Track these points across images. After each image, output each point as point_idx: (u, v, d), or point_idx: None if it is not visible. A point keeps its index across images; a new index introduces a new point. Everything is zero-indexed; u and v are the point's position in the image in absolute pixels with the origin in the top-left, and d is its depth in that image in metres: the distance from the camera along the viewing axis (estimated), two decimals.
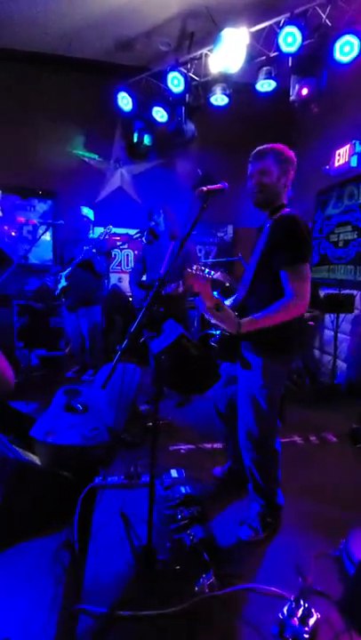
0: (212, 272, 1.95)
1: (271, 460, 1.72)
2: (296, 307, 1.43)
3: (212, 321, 1.41)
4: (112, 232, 3.49)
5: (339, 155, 4.02)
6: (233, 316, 1.39)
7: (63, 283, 3.60)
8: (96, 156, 5.05)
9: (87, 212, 3.65)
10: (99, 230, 4.87)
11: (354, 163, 3.77)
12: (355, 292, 3.68)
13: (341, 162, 3.98)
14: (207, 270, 1.42)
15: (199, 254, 5.25)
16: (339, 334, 3.69)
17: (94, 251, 3.48)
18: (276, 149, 1.58)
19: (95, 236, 3.70)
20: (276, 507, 1.78)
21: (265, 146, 1.60)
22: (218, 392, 1.95)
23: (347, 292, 3.68)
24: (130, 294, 4.44)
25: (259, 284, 1.54)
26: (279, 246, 1.45)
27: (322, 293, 3.65)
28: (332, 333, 3.70)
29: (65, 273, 3.59)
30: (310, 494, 2.04)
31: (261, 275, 1.51)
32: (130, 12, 3.83)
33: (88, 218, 3.65)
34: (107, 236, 3.47)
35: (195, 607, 1.31)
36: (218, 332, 1.78)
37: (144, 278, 3.23)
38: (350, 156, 3.81)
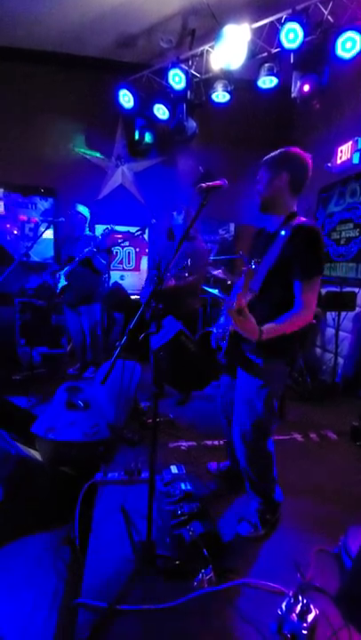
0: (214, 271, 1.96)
1: (265, 461, 1.71)
2: (305, 318, 1.47)
3: (233, 326, 1.38)
4: (113, 229, 3.52)
5: (341, 151, 4.00)
6: (255, 324, 1.37)
7: (63, 282, 3.61)
8: (97, 154, 5.05)
9: (82, 209, 3.65)
10: (99, 228, 4.89)
11: (356, 160, 3.75)
12: (356, 289, 3.67)
13: (344, 159, 3.96)
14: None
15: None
16: (340, 332, 3.68)
17: (94, 249, 3.49)
18: (269, 157, 1.59)
19: (92, 233, 3.69)
20: (275, 503, 1.78)
21: (265, 158, 1.61)
22: (221, 399, 1.95)
23: (348, 289, 3.67)
24: (131, 292, 4.45)
25: (271, 290, 1.51)
26: (299, 257, 1.46)
27: (323, 291, 3.64)
28: (334, 331, 3.69)
29: (64, 272, 3.60)
30: (310, 492, 2.04)
31: (275, 281, 1.49)
32: (131, 9, 3.82)
33: (83, 215, 3.64)
34: (107, 232, 3.50)
35: (193, 602, 1.32)
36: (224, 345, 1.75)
37: None
38: (352, 152, 3.80)
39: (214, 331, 1.80)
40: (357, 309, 3.67)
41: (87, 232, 3.71)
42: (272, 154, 1.60)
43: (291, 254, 1.46)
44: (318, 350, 4.23)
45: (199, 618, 1.29)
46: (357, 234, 3.78)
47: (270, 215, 1.64)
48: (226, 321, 1.67)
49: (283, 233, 1.50)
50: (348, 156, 3.86)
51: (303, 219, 1.56)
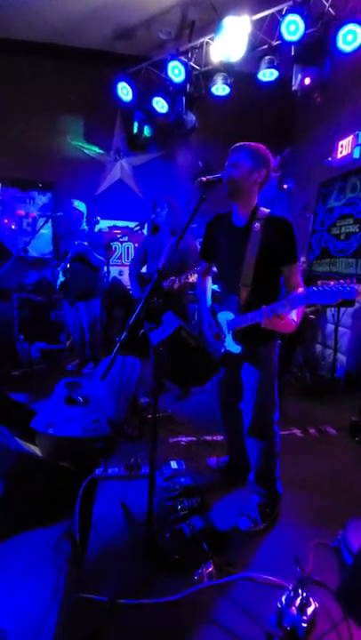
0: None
1: (276, 442, 1.78)
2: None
3: (271, 327, 1.50)
4: (98, 220, 3.61)
5: (341, 146, 3.98)
6: (291, 318, 1.49)
7: (61, 278, 3.60)
8: (95, 148, 5.00)
9: (78, 204, 3.62)
10: (98, 224, 4.85)
11: (357, 154, 3.73)
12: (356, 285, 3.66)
13: (344, 153, 3.94)
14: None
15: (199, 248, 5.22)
16: (339, 328, 3.68)
17: (86, 243, 3.46)
18: (250, 145, 1.60)
19: (88, 227, 3.66)
20: (277, 494, 1.82)
21: (242, 143, 1.62)
22: (220, 386, 1.98)
23: None
24: (130, 287, 4.43)
25: (262, 281, 1.62)
26: (285, 245, 1.58)
27: None
28: (333, 327, 3.69)
29: (61, 267, 3.59)
30: (309, 486, 2.05)
31: (263, 271, 1.60)
32: (130, 0, 3.77)
33: (80, 211, 3.62)
34: (95, 226, 3.57)
35: (194, 596, 1.33)
36: (223, 350, 1.80)
37: (144, 270, 3.21)
38: (353, 147, 3.77)
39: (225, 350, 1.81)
40: (357, 305, 3.66)
41: (84, 227, 3.68)
42: (252, 144, 1.59)
43: (274, 244, 1.57)
44: (318, 346, 4.24)
45: (200, 611, 1.30)
46: (357, 229, 3.76)
47: (236, 205, 1.66)
48: (232, 321, 1.70)
49: (256, 226, 1.58)
50: (349, 150, 3.84)
51: (267, 210, 1.62)
